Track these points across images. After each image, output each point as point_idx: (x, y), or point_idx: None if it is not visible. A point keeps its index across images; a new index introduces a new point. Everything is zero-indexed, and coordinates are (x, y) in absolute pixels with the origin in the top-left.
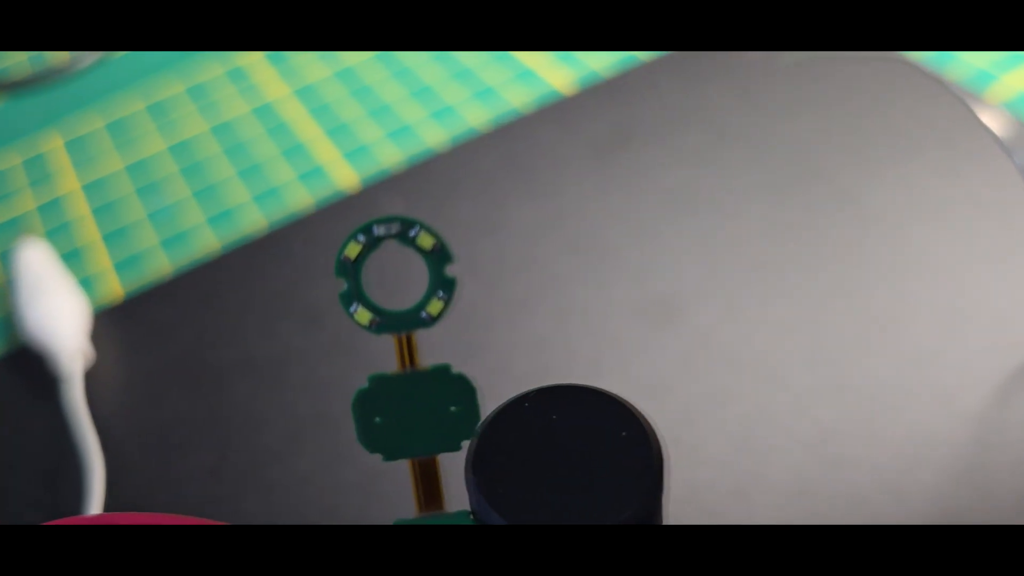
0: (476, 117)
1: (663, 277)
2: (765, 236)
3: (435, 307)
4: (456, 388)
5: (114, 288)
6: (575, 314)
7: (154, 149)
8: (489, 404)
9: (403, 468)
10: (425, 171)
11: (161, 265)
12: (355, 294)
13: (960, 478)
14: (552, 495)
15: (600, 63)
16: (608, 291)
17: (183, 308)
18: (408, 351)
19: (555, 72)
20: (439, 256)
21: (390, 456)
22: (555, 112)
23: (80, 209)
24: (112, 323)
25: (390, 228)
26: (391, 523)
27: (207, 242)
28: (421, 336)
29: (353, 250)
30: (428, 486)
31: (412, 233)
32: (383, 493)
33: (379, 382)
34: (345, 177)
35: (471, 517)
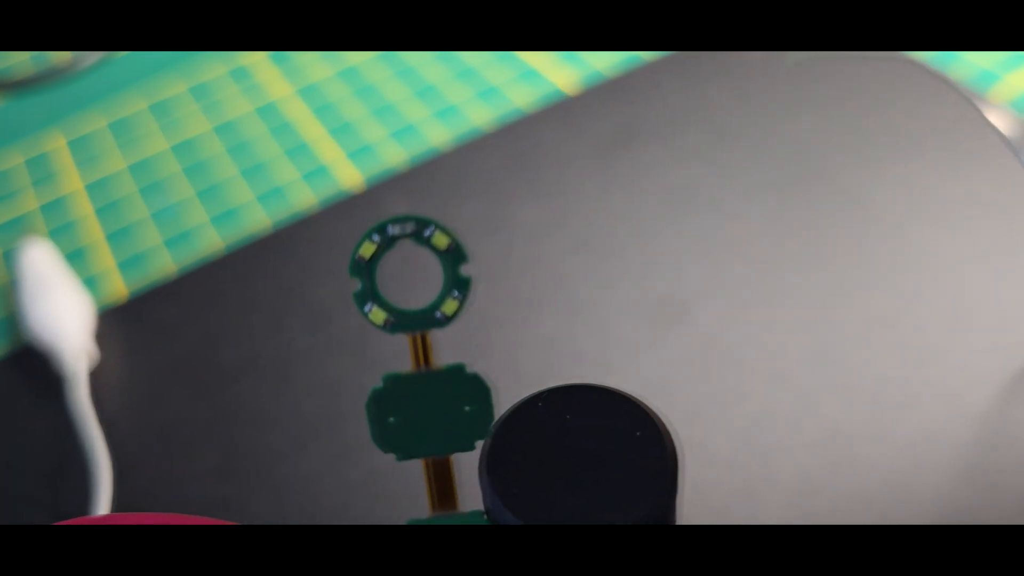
0: (480, 116)
1: (668, 276)
2: (770, 235)
3: (450, 307)
4: (471, 388)
5: (118, 288)
6: (580, 313)
7: (157, 148)
8: (497, 404)
9: (410, 468)
10: (429, 170)
11: (165, 265)
12: (370, 294)
13: (966, 477)
14: (566, 495)
15: (603, 63)
16: (613, 290)
17: (187, 308)
18: (423, 351)
19: (558, 72)
20: (454, 255)
21: (404, 456)
22: (559, 111)
23: (83, 209)
24: (116, 323)
25: (405, 228)
26: (401, 523)
27: (211, 242)
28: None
29: (368, 250)
30: (442, 486)
31: (427, 233)
32: (390, 493)
33: (394, 382)
34: (349, 176)
35: (485, 517)
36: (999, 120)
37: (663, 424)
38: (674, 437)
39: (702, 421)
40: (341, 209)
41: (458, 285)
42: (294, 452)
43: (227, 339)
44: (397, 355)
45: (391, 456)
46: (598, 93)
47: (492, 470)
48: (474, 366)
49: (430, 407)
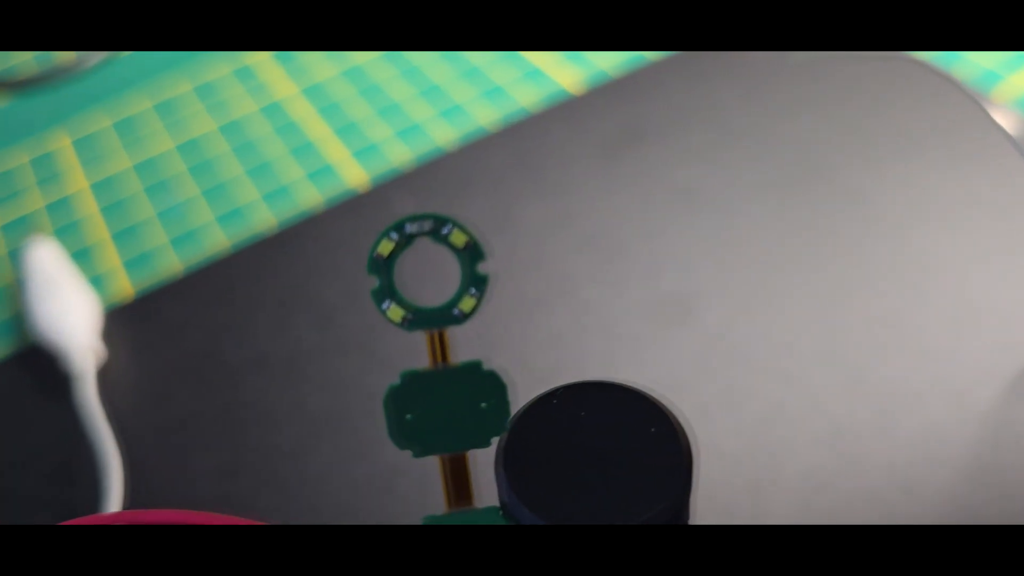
0: (485, 116)
1: (674, 275)
2: (775, 234)
3: (467, 304)
4: (487, 384)
5: (124, 287)
6: (586, 312)
7: (162, 148)
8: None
9: (417, 466)
10: (435, 170)
11: (171, 264)
12: (388, 291)
13: (972, 474)
14: (582, 490)
15: (608, 62)
16: (619, 289)
17: (194, 306)
18: (440, 348)
19: (563, 71)
20: (472, 253)
21: (421, 452)
22: (564, 111)
23: (89, 208)
24: (123, 322)
25: (423, 225)
26: (410, 521)
27: (217, 240)
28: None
29: (386, 247)
30: (458, 482)
31: (445, 230)
32: (399, 491)
33: (411, 378)
34: (355, 176)
35: (501, 513)
36: (1004, 120)
37: (678, 420)
38: (690, 434)
39: (708, 419)
40: (347, 208)
41: (475, 282)
42: (302, 450)
43: (234, 338)
44: (403, 353)
45: (399, 454)
46: (603, 93)
47: (508, 465)
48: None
49: (447, 404)
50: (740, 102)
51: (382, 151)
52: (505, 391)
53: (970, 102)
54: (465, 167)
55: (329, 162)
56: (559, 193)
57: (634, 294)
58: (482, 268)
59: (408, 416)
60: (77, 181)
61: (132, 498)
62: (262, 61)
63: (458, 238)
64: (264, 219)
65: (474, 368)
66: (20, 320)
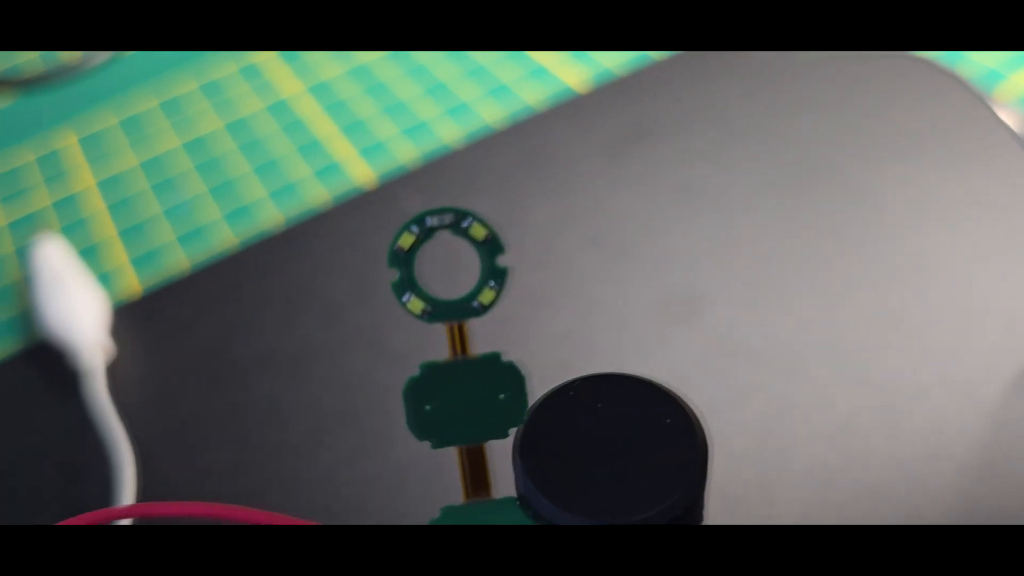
0: (491, 114)
1: (681, 272)
2: (781, 232)
3: (487, 296)
4: (506, 376)
5: (132, 284)
6: (593, 310)
7: (169, 146)
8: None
9: (427, 462)
10: (441, 167)
11: (179, 261)
12: (408, 284)
13: (977, 469)
14: (598, 479)
15: (614, 61)
16: (625, 286)
17: (202, 304)
18: (460, 339)
19: (569, 70)
20: (491, 246)
21: (439, 444)
22: (570, 109)
23: (96, 205)
24: (131, 319)
25: (443, 219)
26: (424, 518)
27: (224, 238)
28: (438, 329)
29: (407, 240)
30: (476, 473)
31: (465, 224)
32: (408, 487)
33: (430, 370)
34: (362, 173)
35: (518, 503)
36: (1010, 118)
37: (693, 413)
38: (705, 426)
39: (716, 415)
40: (354, 205)
41: (495, 275)
42: (310, 447)
43: (241, 335)
44: (410, 349)
45: (407, 451)
46: (609, 92)
47: (526, 456)
48: None
49: (466, 395)
50: (745, 101)
51: (389, 149)
52: (524, 383)
53: (974, 101)
54: (472, 165)
55: (336, 160)
56: (565, 191)
57: (640, 291)
58: (501, 261)
59: (427, 407)
60: (84, 179)
61: (141, 494)
62: (268, 59)
63: (478, 231)
64: (271, 217)
65: (493, 360)
66: (28, 317)
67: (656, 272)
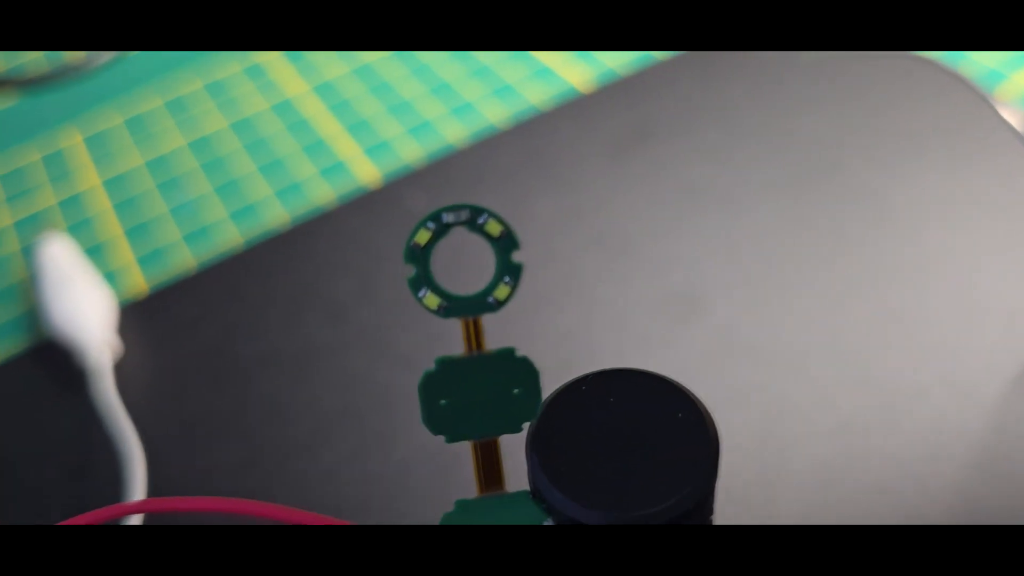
0: (495, 114)
1: (684, 272)
2: (783, 231)
3: (502, 292)
4: (520, 371)
5: (138, 282)
6: (597, 308)
7: (174, 145)
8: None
9: (431, 462)
10: (446, 167)
11: (185, 259)
12: (424, 279)
13: (978, 468)
14: (611, 473)
15: (617, 61)
16: (629, 285)
17: (207, 302)
18: (475, 335)
19: (573, 70)
20: (506, 242)
21: (453, 438)
22: (573, 109)
23: (101, 204)
24: (137, 318)
25: (459, 215)
26: (427, 515)
27: (230, 237)
28: (441, 328)
29: (423, 237)
30: (489, 467)
31: (481, 220)
32: (412, 486)
33: (445, 365)
34: (366, 173)
35: (531, 497)
36: (1011, 118)
37: (704, 408)
38: (714, 421)
39: (718, 413)
40: (359, 205)
41: (510, 271)
42: (314, 445)
43: (246, 333)
44: (415, 349)
45: (411, 449)
46: (612, 91)
47: (539, 450)
48: None
49: (480, 390)
50: (748, 101)
51: (394, 148)
52: (537, 378)
53: (976, 100)
54: (476, 164)
55: (341, 159)
56: (568, 190)
57: (642, 290)
58: (516, 257)
59: (442, 402)
60: (89, 178)
61: (148, 492)
62: (272, 59)
63: (493, 227)
64: (276, 216)
65: (507, 355)
66: (35, 316)
67: (658, 271)
